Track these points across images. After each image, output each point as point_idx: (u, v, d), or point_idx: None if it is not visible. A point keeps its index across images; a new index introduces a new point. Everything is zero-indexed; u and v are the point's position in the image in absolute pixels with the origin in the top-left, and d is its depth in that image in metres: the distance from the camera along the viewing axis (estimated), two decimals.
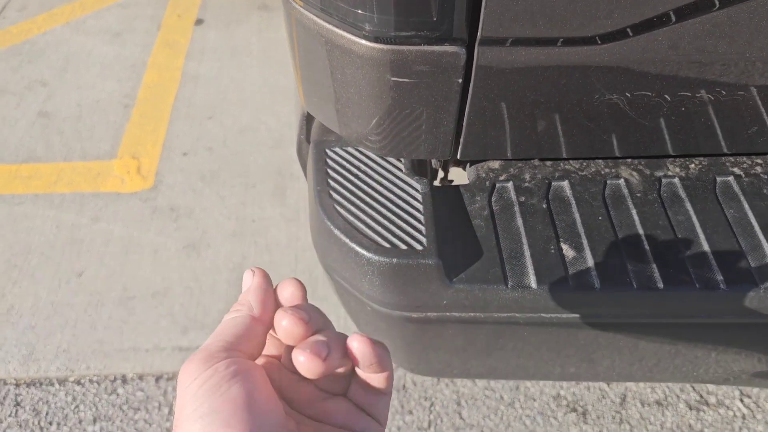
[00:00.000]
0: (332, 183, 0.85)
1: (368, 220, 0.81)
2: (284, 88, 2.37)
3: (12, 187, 2.01)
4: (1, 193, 1.99)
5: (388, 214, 0.82)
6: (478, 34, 0.68)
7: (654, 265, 0.79)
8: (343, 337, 0.41)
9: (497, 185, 0.88)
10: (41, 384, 1.53)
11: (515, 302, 0.79)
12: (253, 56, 2.56)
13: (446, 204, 0.85)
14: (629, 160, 0.92)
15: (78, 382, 1.53)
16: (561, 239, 0.82)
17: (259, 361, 0.44)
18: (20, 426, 1.46)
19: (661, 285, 0.77)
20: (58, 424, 1.46)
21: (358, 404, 0.44)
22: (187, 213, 1.92)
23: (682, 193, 0.87)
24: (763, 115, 0.81)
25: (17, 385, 1.53)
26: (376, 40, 0.68)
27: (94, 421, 1.46)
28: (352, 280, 0.83)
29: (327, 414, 0.43)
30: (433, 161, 1.00)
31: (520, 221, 0.84)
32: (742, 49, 0.72)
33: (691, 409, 1.47)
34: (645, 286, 0.77)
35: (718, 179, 0.89)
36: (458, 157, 0.85)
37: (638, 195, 0.87)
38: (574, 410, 1.47)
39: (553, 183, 0.89)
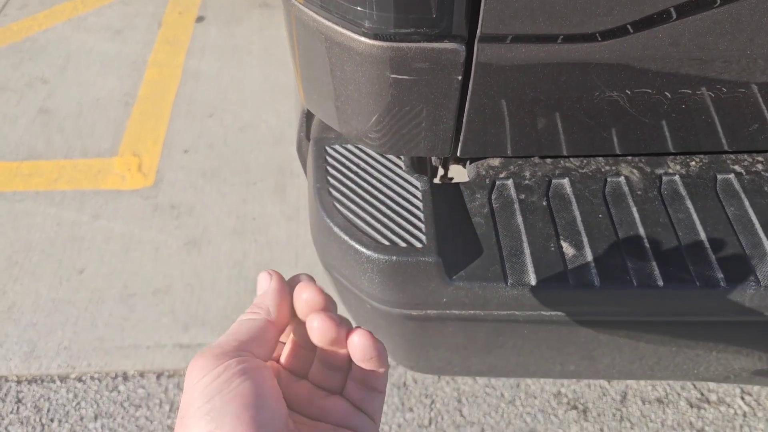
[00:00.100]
0: (332, 180, 0.85)
1: (368, 218, 0.81)
2: (285, 86, 2.37)
3: (13, 185, 2.01)
4: (1, 191, 2.00)
5: (388, 212, 0.81)
6: (478, 31, 0.68)
7: (654, 263, 0.79)
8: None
9: (497, 183, 0.88)
10: (42, 381, 1.54)
11: (515, 300, 0.79)
12: (253, 54, 2.56)
13: (446, 201, 0.85)
14: (630, 157, 0.92)
15: (79, 379, 1.54)
16: (561, 237, 0.82)
17: None
18: (22, 423, 1.46)
19: (661, 283, 0.77)
20: (60, 421, 1.46)
21: (353, 402, 0.44)
22: (187, 210, 1.92)
23: (683, 191, 0.87)
24: (764, 112, 0.81)
25: (19, 382, 1.53)
26: (376, 37, 0.68)
27: (96, 418, 1.47)
28: (351, 278, 0.83)
29: (324, 412, 0.43)
30: (433, 158, 1.00)
31: (520, 219, 0.83)
32: (743, 46, 0.72)
33: (692, 406, 1.47)
34: (645, 284, 0.77)
35: (719, 177, 0.89)
36: (458, 154, 0.85)
37: (639, 192, 0.87)
38: (575, 408, 1.47)
39: (553, 180, 0.88)
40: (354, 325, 0.44)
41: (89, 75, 2.45)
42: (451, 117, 0.77)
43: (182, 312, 1.66)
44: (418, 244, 0.78)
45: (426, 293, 0.79)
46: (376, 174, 0.86)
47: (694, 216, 0.84)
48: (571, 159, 0.91)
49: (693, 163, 0.91)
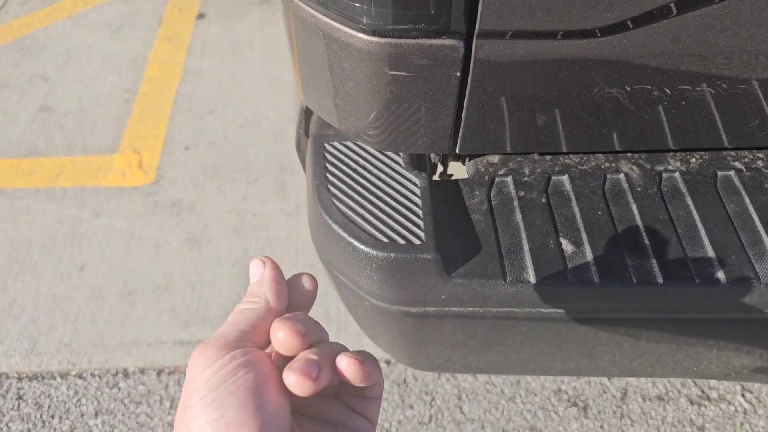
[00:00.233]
0: (330, 177, 0.85)
1: (366, 215, 0.80)
2: (285, 83, 2.37)
3: (13, 182, 2.01)
4: (2, 188, 2.00)
5: (387, 209, 0.81)
6: (476, 27, 0.67)
7: (654, 260, 0.78)
8: (337, 350, 0.41)
9: (496, 180, 0.88)
10: (43, 378, 1.54)
11: (514, 297, 0.78)
12: (254, 51, 2.55)
13: (445, 198, 0.85)
14: (629, 154, 0.91)
15: (80, 376, 1.54)
16: (560, 234, 0.81)
17: None
18: (22, 419, 1.46)
19: (660, 280, 0.77)
20: (60, 417, 1.47)
21: (349, 406, 0.44)
22: (188, 207, 1.92)
23: (683, 188, 0.87)
24: (765, 108, 0.81)
25: (19, 379, 1.54)
26: (374, 33, 0.68)
27: (96, 414, 1.47)
28: (350, 275, 0.83)
29: (322, 411, 0.43)
30: (432, 155, 1.00)
31: (519, 216, 0.83)
32: (743, 42, 0.71)
33: (692, 404, 1.47)
34: (645, 281, 0.77)
35: (719, 174, 0.89)
36: (457, 151, 0.85)
37: (638, 189, 0.87)
38: (575, 405, 1.47)
39: (552, 177, 0.88)
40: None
41: (90, 72, 2.45)
42: (449, 114, 0.77)
43: (183, 309, 1.66)
44: (417, 241, 0.78)
45: (425, 290, 0.79)
46: (374, 171, 0.86)
47: (694, 213, 0.83)
48: (571, 156, 0.91)
49: (693, 159, 0.91)
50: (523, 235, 0.81)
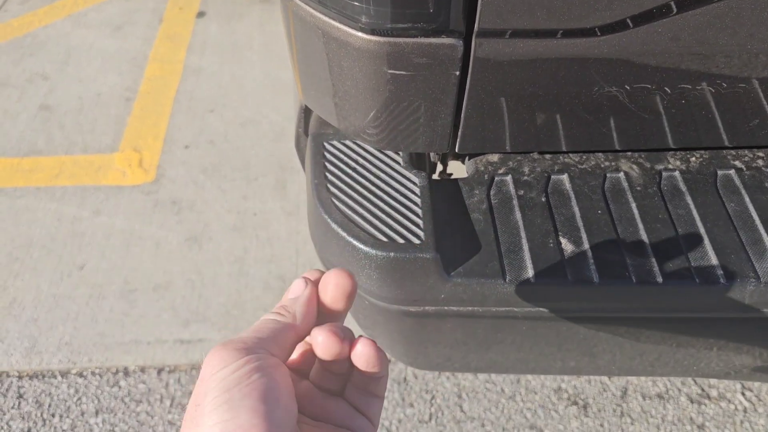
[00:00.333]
0: (330, 176, 0.85)
1: (366, 214, 0.80)
2: (286, 82, 2.37)
3: (13, 181, 2.02)
4: (2, 186, 2.00)
5: (386, 208, 0.81)
6: (476, 26, 0.67)
7: (653, 259, 0.78)
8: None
9: (496, 179, 0.88)
10: (44, 376, 1.54)
11: (514, 296, 0.78)
12: (254, 50, 2.55)
13: (444, 197, 0.85)
14: (629, 153, 0.91)
15: (80, 375, 1.54)
16: (560, 233, 0.81)
17: None
18: (23, 418, 1.47)
19: (660, 279, 0.77)
20: (61, 416, 1.47)
21: (353, 405, 0.45)
22: (188, 206, 1.92)
23: (683, 187, 0.87)
24: (765, 107, 0.81)
25: (20, 378, 1.54)
26: (373, 32, 0.68)
27: (97, 413, 1.47)
28: None
29: (326, 413, 0.44)
30: (432, 154, 0.99)
31: (518, 215, 0.83)
32: (743, 41, 0.71)
33: (692, 402, 1.47)
34: (644, 281, 0.77)
35: (719, 172, 0.88)
36: (456, 150, 0.85)
37: (638, 188, 0.86)
38: (575, 403, 1.47)
39: (552, 176, 0.88)
40: (352, 323, 0.45)
41: (90, 71, 2.45)
42: (449, 113, 0.77)
43: (183, 308, 1.66)
44: (416, 241, 0.78)
45: (424, 289, 0.79)
46: (374, 170, 0.86)
47: (694, 212, 0.83)
48: (571, 155, 0.91)
49: (693, 158, 0.91)
50: (523, 234, 0.81)
